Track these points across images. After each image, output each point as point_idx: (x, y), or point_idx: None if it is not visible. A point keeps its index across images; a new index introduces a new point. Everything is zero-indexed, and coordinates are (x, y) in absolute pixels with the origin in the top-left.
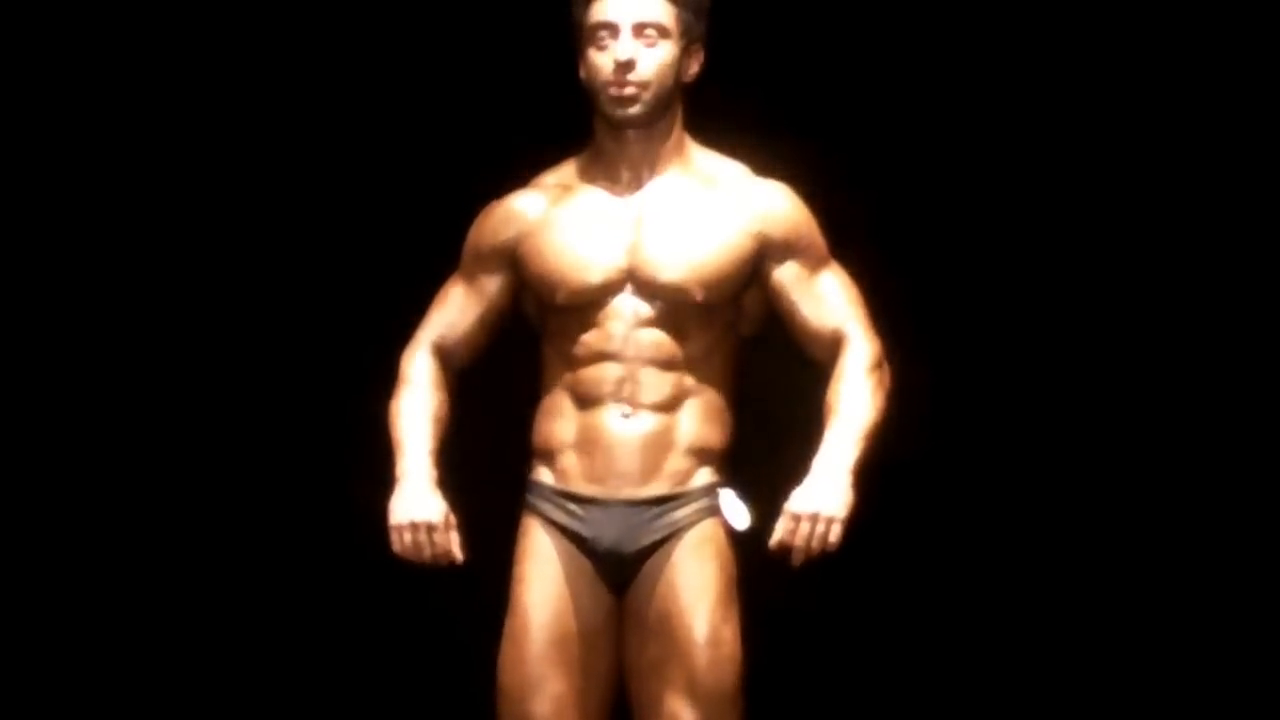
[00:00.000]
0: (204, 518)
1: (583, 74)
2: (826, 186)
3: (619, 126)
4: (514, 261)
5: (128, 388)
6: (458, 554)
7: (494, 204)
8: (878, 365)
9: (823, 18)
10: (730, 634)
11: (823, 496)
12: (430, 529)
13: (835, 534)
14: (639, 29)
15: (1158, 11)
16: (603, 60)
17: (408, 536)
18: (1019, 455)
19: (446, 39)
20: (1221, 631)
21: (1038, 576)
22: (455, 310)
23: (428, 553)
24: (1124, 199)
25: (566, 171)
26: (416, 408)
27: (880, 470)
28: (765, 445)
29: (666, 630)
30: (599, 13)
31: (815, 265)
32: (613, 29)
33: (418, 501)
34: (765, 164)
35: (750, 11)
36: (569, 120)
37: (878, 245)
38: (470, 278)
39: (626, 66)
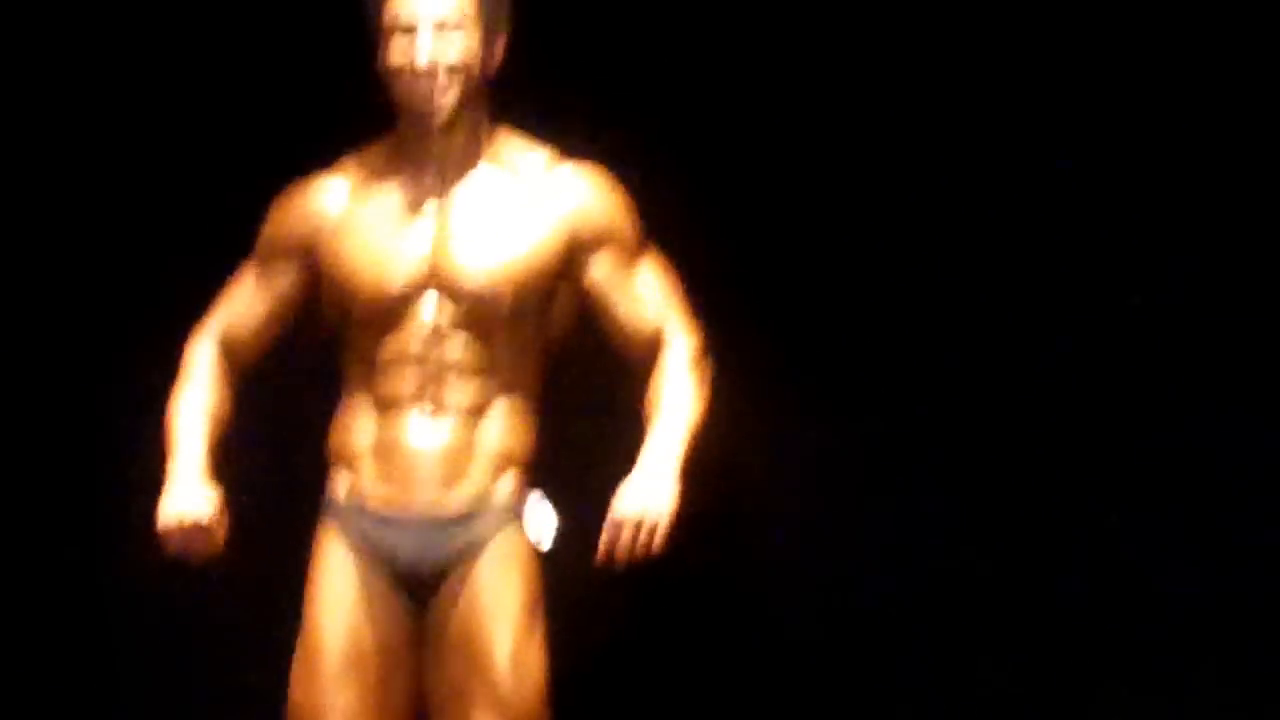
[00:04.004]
0: None
1: (381, 71)
2: (641, 168)
3: (421, 125)
4: (310, 259)
5: None
6: (218, 542)
7: (291, 190)
8: (699, 360)
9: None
10: (535, 651)
11: (648, 498)
12: (198, 528)
13: (660, 538)
14: (438, 26)
15: None
16: (401, 60)
17: (176, 537)
18: (848, 451)
19: (247, 19)
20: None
21: (865, 582)
22: (245, 302)
23: (198, 551)
24: (944, 170)
25: (370, 158)
26: (194, 403)
27: (703, 468)
28: (572, 453)
29: (468, 648)
30: (395, 10)
31: (630, 256)
32: (409, 27)
33: (186, 497)
34: (577, 147)
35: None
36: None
37: (697, 228)
38: (263, 267)
39: (427, 70)
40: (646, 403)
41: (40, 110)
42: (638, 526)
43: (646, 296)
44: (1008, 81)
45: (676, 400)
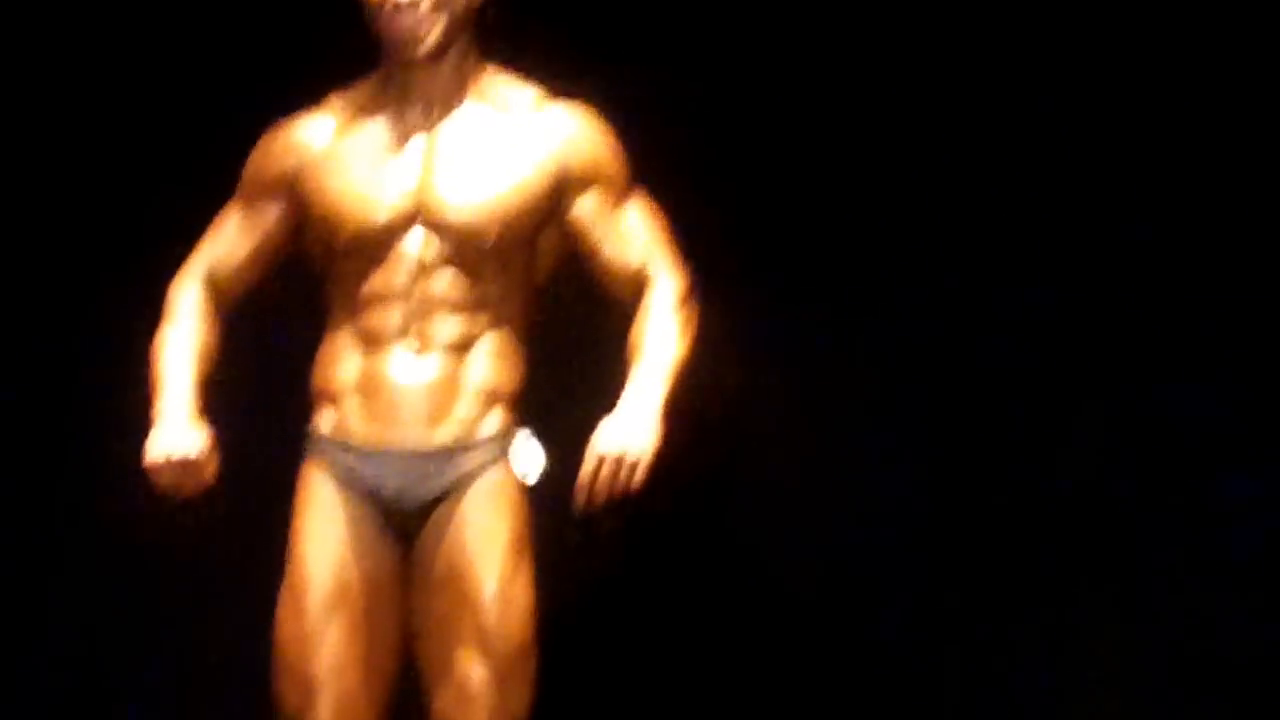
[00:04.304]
0: None
1: (363, 5)
2: (631, 108)
3: (405, 58)
4: (294, 196)
5: None
6: (208, 478)
7: (276, 127)
8: (685, 301)
9: None
10: (521, 587)
11: (629, 435)
12: (187, 464)
13: (640, 475)
14: None
15: None
16: None
17: (165, 474)
18: (830, 402)
19: None
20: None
21: (840, 527)
22: (230, 240)
23: (188, 487)
24: (931, 124)
25: (356, 95)
26: (181, 342)
27: (686, 412)
28: (559, 390)
29: (455, 584)
30: None
31: (618, 197)
32: None
33: (175, 435)
34: (566, 86)
35: None
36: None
37: (686, 171)
38: (248, 206)
39: (408, 7)
40: (630, 342)
41: (18, 45)
42: (618, 463)
43: (633, 236)
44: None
45: (661, 340)
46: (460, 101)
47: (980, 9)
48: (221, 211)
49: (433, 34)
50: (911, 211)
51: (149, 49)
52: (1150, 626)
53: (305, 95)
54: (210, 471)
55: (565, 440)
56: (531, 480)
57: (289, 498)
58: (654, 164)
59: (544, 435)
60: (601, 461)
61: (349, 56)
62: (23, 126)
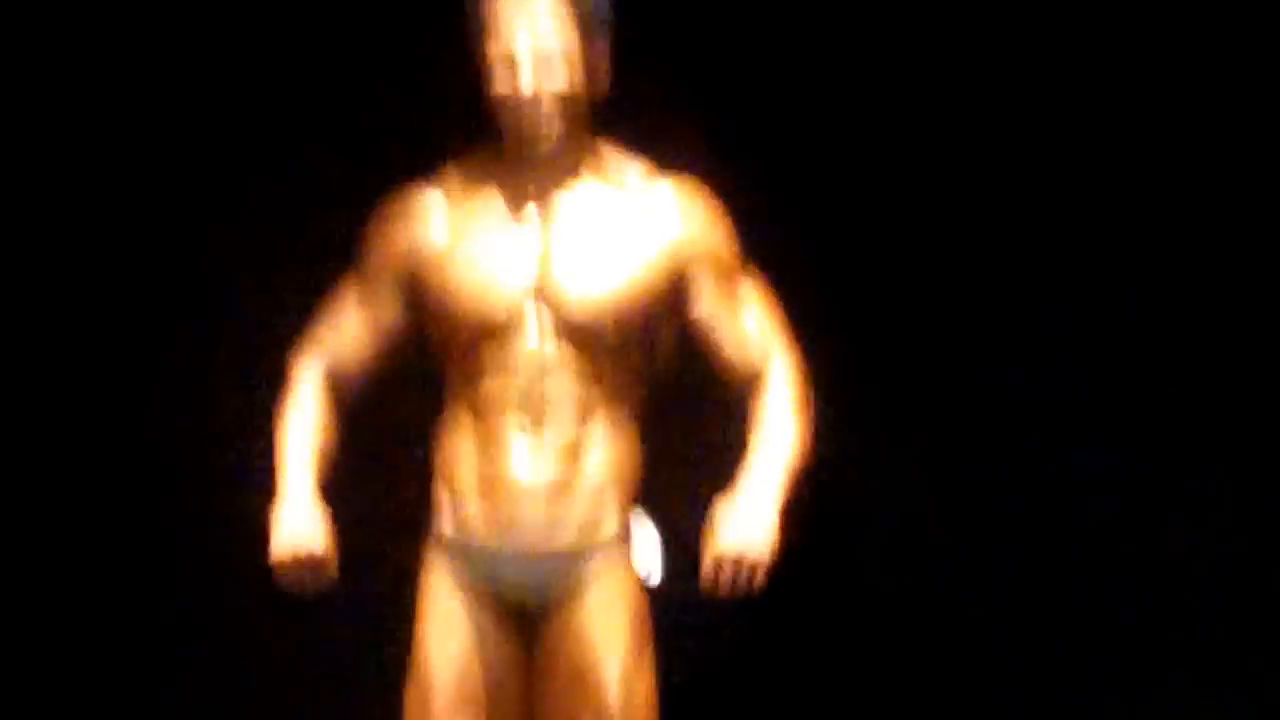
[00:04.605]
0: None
1: (488, 98)
2: (739, 184)
3: (528, 150)
4: (412, 277)
5: None
6: (333, 574)
7: (392, 203)
8: (801, 390)
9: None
10: (644, 685)
11: (748, 535)
12: (311, 560)
13: (761, 577)
14: (543, 55)
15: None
16: (507, 90)
17: (290, 570)
18: (946, 477)
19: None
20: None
21: (967, 620)
22: (349, 325)
23: (311, 584)
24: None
25: (471, 168)
26: (302, 428)
27: (804, 503)
28: (675, 478)
29: (579, 681)
30: (500, 39)
31: (731, 276)
32: (514, 56)
33: (298, 529)
34: (676, 160)
35: (656, 9)
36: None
37: (793, 245)
38: (365, 286)
39: (533, 100)
40: (747, 431)
41: (140, 115)
42: (738, 564)
43: (749, 323)
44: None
45: (777, 431)
46: (575, 178)
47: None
48: (340, 282)
49: (556, 130)
50: (1025, 303)
51: (271, 128)
52: None
53: (418, 167)
54: (333, 566)
55: (682, 522)
56: (654, 582)
57: (407, 583)
58: (763, 241)
59: (660, 518)
60: (721, 562)
61: (458, 126)
62: (149, 187)
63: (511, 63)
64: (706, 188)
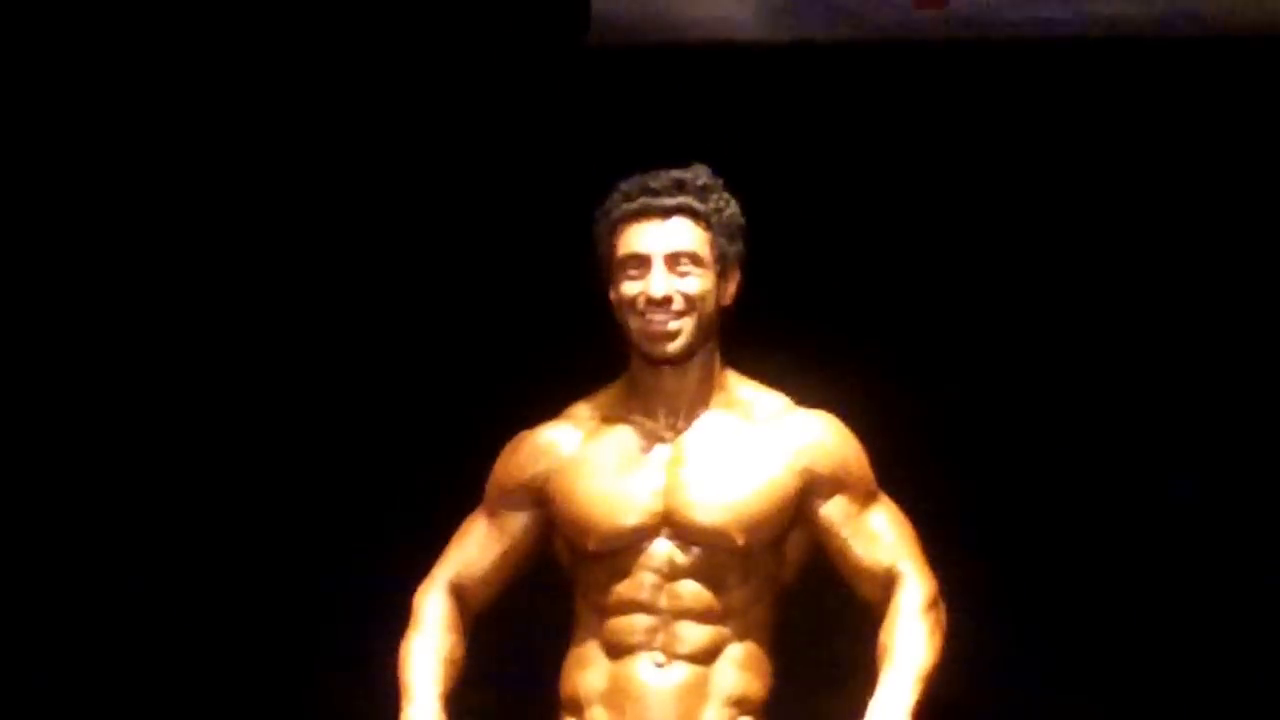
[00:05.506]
0: None
1: (614, 305)
2: (874, 414)
3: (656, 363)
4: (542, 500)
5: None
6: None
7: (522, 436)
8: (933, 605)
9: (869, 234)
10: None
11: None
12: None
13: None
14: (672, 259)
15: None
16: (635, 294)
17: None
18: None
19: (472, 256)
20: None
21: None
22: (475, 547)
23: None
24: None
25: (600, 403)
26: (427, 650)
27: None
28: (802, 691)
29: None
30: (629, 243)
31: (864, 500)
32: (644, 260)
33: None
34: (808, 393)
35: (787, 229)
36: (598, 347)
37: (928, 473)
38: (494, 513)
39: (662, 302)
40: (879, 645)
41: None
42: None
43: (881, 536)
44: None
45: (908, 645)
46: (705, 408)
47: None
48: (466, 520)
49: (684, 333)
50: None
51: (399, 365)
52: None
53: (549, 403)
54: None
55: None
56: None
57: None
58: (896, 474)
59: None
60: None
61: (592, 367)
62: (264, 434)
63: (643, 261)
64: (840, 421)
